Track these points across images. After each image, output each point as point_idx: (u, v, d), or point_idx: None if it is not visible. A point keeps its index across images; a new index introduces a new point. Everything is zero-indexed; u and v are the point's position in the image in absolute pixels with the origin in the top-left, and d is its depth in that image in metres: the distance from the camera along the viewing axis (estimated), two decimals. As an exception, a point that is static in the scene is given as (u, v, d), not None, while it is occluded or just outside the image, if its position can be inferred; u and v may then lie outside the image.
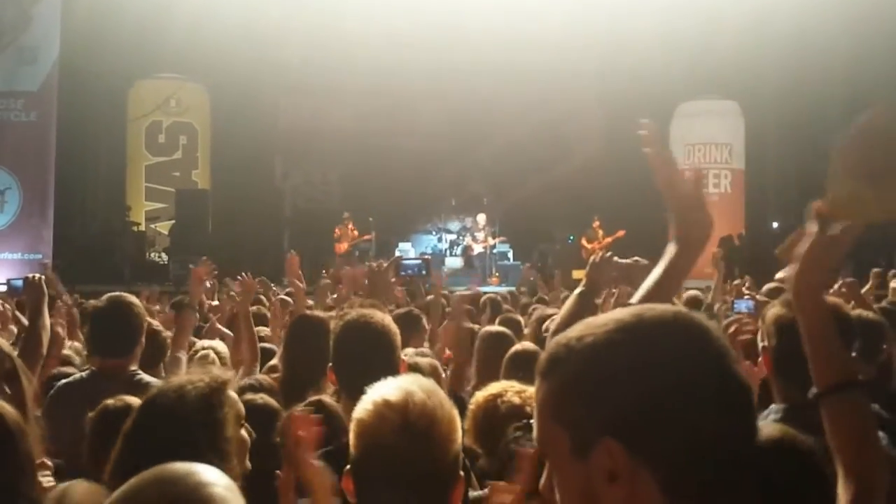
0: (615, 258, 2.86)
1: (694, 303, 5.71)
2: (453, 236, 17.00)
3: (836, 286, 4.75)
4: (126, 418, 1.84)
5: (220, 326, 5.05)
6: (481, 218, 15.58)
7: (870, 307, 4.29)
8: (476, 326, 4.61)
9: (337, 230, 15.67)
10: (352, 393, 2.00)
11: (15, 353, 2.57)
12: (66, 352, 4.28)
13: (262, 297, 6.48)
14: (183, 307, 4.13)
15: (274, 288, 7.43)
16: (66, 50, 13.64)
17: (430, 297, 5.71)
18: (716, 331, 0.98)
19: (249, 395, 2.61)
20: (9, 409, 1.90)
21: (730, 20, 14.34)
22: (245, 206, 17.05)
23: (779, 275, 1.63)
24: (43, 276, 3.81)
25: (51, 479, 2.21)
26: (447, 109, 18.48)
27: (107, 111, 16.57)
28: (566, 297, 3.29)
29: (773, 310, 2.36)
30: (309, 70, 17.61)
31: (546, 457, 0.99)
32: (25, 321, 4.59)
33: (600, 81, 17.56)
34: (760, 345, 2.38)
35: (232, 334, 4.60)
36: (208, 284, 5.27)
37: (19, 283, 4.80)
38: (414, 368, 2.84)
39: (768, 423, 1.44)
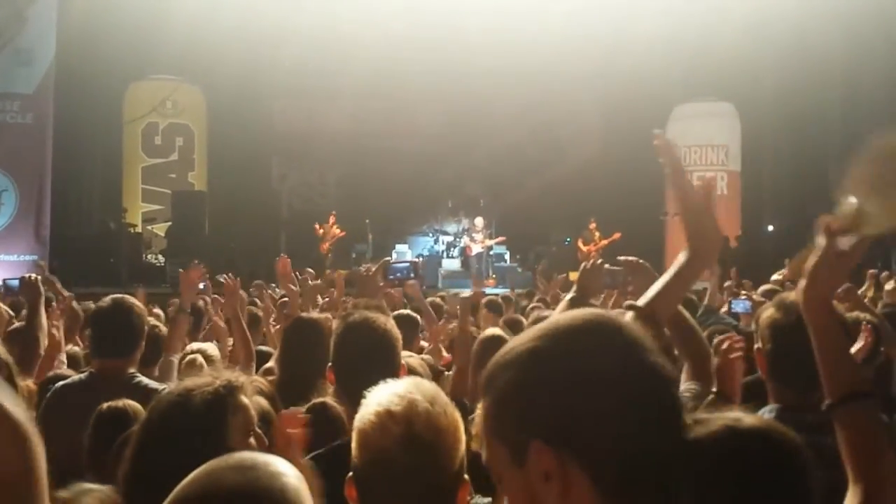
0: (606, 265, 2.87)
1: (688, 305, 5.70)
2: (450, 238, 17.00)
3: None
4: (122, 422, 1.83)
5: (221, 324, 5.02)
6: (479, 221, 15.59)
7: (868, 309, 4.29)
8: (475, 329, 4.60)
9: (319, 228, 15.71)
10: (351, 394, 1.99)
11: (12, 360, 2.55)
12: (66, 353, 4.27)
13: (256, 299, 6.47)
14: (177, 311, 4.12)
15: (273, 287, 7.41)
16: (61, 51, 13.61)
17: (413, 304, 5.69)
18: (632, 328, 1.01)
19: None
20: None
21: (726, 23, 14.37)
22: (242, 207, 17.05)
23: (775, 276, 1.65)
24: (39, 277, 3.82)
25: None
26: (444, 111, 18.49)
27: (103, 113, 16.53)
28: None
29: (768, 312, 2.36)
30: (305, 72, 17.61)
31: (494, 475, 1.01)
32: (17, 322, 4.61)
33: (597, 84, 17.56)
34: (755, 346, 2.39)
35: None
36: (201, 286, 5.24)
37: (15, 283, 4.80)
38: (410, 370, 2.84)
39: (749, 415, 1.45)
